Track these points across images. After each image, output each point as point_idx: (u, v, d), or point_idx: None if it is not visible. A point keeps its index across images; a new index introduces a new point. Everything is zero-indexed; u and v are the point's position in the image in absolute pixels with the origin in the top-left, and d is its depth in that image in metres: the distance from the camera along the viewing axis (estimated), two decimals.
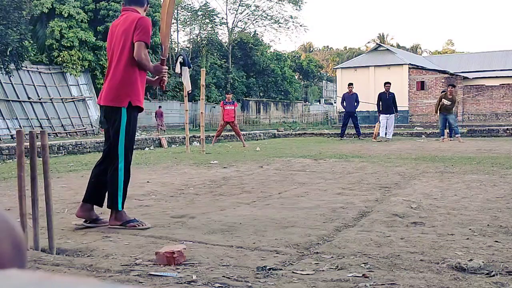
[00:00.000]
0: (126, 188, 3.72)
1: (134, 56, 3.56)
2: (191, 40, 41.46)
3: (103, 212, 3.97)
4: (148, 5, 3.97)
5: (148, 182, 6.30)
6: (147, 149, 14.73)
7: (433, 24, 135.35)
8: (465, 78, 34.16)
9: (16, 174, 3.40)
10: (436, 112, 15.29)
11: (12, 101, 21.60)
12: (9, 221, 0.59)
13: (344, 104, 16.72)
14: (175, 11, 37.70)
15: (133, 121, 3.67)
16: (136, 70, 3.63)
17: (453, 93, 14.98)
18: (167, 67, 3.85)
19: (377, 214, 3.96)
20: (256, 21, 42.92)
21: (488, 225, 3.53)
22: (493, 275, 2.41)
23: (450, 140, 15.36)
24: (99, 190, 3.72)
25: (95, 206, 3.75)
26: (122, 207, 3.67)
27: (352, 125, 17.72)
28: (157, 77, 3.90)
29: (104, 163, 3.71)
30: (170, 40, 3.84)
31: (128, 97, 3.61)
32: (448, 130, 15.90)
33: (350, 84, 16.89)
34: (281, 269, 2.56)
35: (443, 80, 32.45)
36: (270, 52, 44.86)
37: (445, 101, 14.81)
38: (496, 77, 34.84)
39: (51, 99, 23.47)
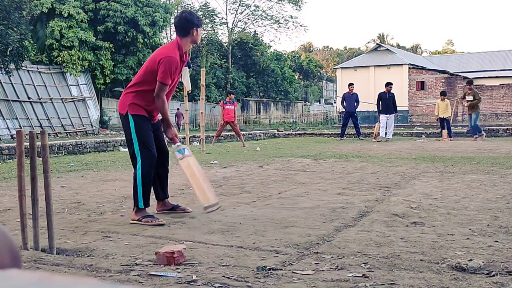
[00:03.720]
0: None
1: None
2: None
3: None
4: (196, 30, 4.01)
5: None
6: None
7: (433, 24, 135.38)
8: (465, 78, 34.13)
9: (16, 174, 3.40)
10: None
11: (12, 101, 21.59)
12: (2, 229, 0.61)
13: (344, 104, 16.72)
14: (175, 11, 37.68)
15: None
16: None
17: (473, 89, 15.71)
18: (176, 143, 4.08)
19: (377, 214, 3.96)
20: (256, 21, 42.95)
21: (488, 225, 3.53)
22: (493, 275, 2.41)
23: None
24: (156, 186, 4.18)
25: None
26: (144, 206, 3.89)
27: (352, 125, 17.72)
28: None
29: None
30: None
31: None
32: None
33: (351, 84, 16.89)
34: (281, 269, 2.56)
35: (443, 80, 32.46)
36: (270, 52, 44.86)
37: (467, 98, 15.42)
38: (496, 77, 34.86)
39: (51, 99, 23.46)
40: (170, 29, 39.68)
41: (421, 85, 33.16)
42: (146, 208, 3.94)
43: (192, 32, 3.97)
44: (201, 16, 40.29)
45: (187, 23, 3.97)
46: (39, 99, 22.92)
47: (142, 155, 3.91)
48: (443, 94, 16.34)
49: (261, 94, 43.59)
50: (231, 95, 14.72)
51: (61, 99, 24.00)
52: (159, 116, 4.18)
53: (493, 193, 4.95)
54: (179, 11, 39.10)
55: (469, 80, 16.55)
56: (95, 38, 25.00)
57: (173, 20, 4.20)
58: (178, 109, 31.19)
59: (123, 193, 5.33)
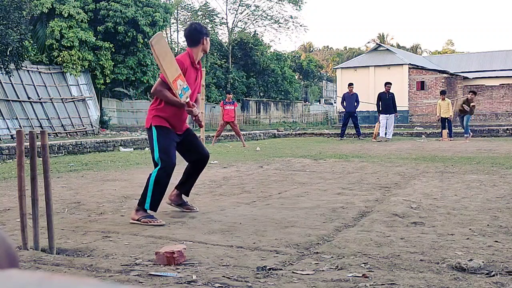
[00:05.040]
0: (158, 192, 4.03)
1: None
2: None
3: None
4: (205, 39, 4.24)
5: None
6: (147, 149, 14.72)
7: (433, 24, 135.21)
8: (465, 78, 34.16)
9: (16, 174, 3.40)
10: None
11: (12, 101, 21.59)
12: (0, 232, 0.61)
13: (344, 104, 16.72)
14: (175, 11, 37.70)
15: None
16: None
17: (474, 99, 15.91)
18: (192, 108, 4.16)
19: (377, 214, 3.96)
20: (256, 21, 42.95)
21: (488, 225, 3.53)
22: (493, 275, 2.41)
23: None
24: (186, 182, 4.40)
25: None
26: (150, 208, 3.93)
27: (352, 125, 17.72)
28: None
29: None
30: (177, 85, 4.11)
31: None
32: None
33: (351, 84, 16.88)
34: (281, 269, 2.56)
35: (443, 80, 32.44)
36: (270, 52, 44.85)
37: (465, 106, 15.60)
38: (496, 77, 34.84)
39: (51, 99, 23.46)
40: (170, 29, 39.68)
41: (421, 85, 33.14)
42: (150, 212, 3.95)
43: (202, 41, 4.20)
44: (201, 16, 40.38)
45: (197, 33, 4.19)
46: (39, 99, 22.92)
47: (162, 162, 3.99)
48: (443, 93, 16.35)
49: (261, 94, 43.57)
50: (230, 95, 14.71)
51: (61, 99, 24.00)
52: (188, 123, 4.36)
53: (493, 193, 4.95)
54: (179, 11, 39.19)
55: (474, 91, 16.82)
56: (95, 38, 24.99)
57: (183, 32, 4.45)
58: None
59: (123, 193, 5.33)
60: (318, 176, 6.66)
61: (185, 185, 4.40)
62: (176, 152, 4.19)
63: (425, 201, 4.52)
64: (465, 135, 15.49)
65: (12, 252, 0.61)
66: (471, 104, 15.56)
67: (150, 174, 4.01)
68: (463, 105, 15.63)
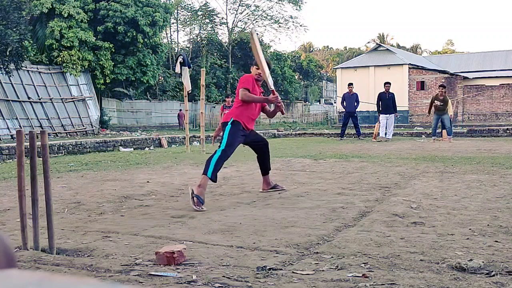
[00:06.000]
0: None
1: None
2: (191, 40, 41.56)
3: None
4: (253, 67, 5.30)
5: (148, 182, 6.30)
6: (147, 149, 14.73)
7: (433, 24, 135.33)
8: (465, 78, 34.15)
9: (16, 174, 3.41)
10: (429, 113, 15.44)
11: (12, 101, 21.59)
12: None
13: (344, 104, 16.71)
14: (176, 11, 37.70)
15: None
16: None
17: (444, 94, 14.87)
18: (276, 95, 5.11)
19: (377, 214, 3.96)
20: (256, 21, 42.97)
21: (488, 225, 3.53)
22: (493, 275, 2.41)
23: (440, 140, 15.31)
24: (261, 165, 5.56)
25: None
26: (211, 177, 4.77)
27: (352, 125, 17.72)
28: (272, 106, 5.46)
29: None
30: (269, 75, 5.18)
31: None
32: (440, 130, 15.83)
33: (350, 84, 16.88)
34: (281, 269, 2.56)
35: (443, 80, 32.45)
36: (270, 52, 44.86)
37: (437, 102, 14.78)
38: (496, 77, 34.83)
39: (51, 99, 23.46)
40: (170, 29, 39.66)
41: (421, 85, 33.16)
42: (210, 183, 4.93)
43: (250, 68, 5.38)
44: (201, 16, 40.38)
45: (251, 61, 5.36)
46: (39, 99, 22.92)
47: (222, 152, 4.92)
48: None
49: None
50: (229, 98, 14.66)
51: (61, 99, 24.00)
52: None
53: (493, 193, 4.95)
54: (179, 11, 39.21)
55: (443, 84, 16.09)
56: (95, 38, 24.99)
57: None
58: (180, 110, 32.54)
59: (123, 193, 5.33)
60: (318, 176, 6.66)
61: (263, 168, 5.50)
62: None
63: (425, 201, 4.52)
64: (448, 136, 14.97)
65: (10, 252, 0.61)
66: (442, 98, 14.53)
67: (215, 153, 4.94)
68: (435, 101, 14.70)
